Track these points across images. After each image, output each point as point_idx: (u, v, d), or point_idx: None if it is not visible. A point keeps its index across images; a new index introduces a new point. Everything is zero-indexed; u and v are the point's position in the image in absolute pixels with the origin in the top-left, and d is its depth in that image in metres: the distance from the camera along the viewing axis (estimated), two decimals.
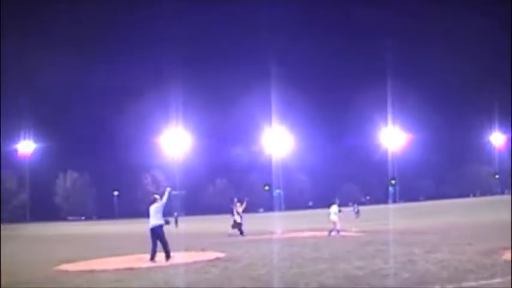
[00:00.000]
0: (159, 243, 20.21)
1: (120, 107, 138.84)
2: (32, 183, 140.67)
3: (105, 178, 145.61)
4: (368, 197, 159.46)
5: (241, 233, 35.51)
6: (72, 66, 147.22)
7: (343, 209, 36.81)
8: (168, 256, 19.98)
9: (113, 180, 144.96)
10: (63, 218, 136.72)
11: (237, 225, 36.74)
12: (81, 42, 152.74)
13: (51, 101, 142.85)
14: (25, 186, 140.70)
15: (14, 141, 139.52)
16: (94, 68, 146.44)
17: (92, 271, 17.85)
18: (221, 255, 21.61)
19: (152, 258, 19.77)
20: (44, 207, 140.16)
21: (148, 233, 20.39)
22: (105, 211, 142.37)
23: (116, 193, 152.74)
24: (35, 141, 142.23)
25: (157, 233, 20.29)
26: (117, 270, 17.79)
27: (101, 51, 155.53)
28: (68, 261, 21.53)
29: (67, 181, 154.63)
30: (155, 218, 20.50)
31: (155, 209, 20.60)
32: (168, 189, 21.46)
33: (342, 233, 31.44)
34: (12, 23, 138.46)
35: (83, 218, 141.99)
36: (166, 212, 21.32)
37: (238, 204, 38.07)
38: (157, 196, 21.32)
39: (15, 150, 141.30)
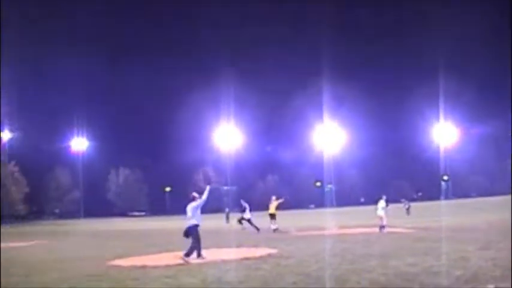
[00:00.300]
0: (201, 241, 20.01)
1: (172, 103, 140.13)
2: (85, 179, 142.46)
3: (157, 174, 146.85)
4: (420, 193, 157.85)
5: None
6: (125, 63, 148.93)
7: (395, 205, 36.66)
8: (188, 255, 19.35)
9: (165, 176, 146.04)
10: (123, 214, 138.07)
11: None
12: (132, 40, 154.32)
13: (104, 98, 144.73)
14: (78, 183, 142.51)
15: (67, 138, 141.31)
16: (147, 65, 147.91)
17: (144, 267, 18.01)
18: (273, 251, 21.61)
19: (198, 255, 19.56)
20: (96, 203, 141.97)
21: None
22: (157, 207, 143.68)
23: (167, 189, 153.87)
24: (88, 139, 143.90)
25: (191, 233, 19.92)
26: (169, 266, 17.91)
27: (153, 48, 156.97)
28: (120, 257, 21.78)
29: (119, 177, 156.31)
30: (191, 217, 20.15)
31: (192, 208, 20.22)
32: (208, 187, 21.07)
33: (391, 230, 31.28)
34: (67, 23, 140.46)
35: (143, 213, 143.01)
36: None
37: (274, 198, 38.49)
38: (196, 194, 20.74)
39: (69, 147, 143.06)
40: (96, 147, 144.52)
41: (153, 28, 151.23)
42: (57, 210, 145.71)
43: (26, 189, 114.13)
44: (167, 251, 23.75)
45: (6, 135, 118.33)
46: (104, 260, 20.73)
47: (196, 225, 20.03)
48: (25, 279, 16.55)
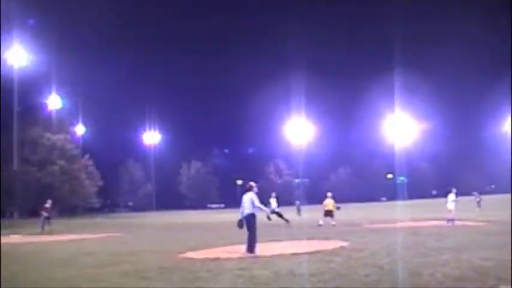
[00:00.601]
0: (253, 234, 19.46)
1: (244, 96, 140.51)
2: (157, 172, 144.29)
3: (228, 167, 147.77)
4: (493, 186, 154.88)
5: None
6: (197, 56, 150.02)
7: (466, 198, 36.14)
8: (249, 249, 19.12)
9: (237, 169, 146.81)
10: (203, 206, 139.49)
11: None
12: (205, 32, 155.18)
13: (176, 91, 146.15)
14: (151, 176, 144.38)
15: (140, 132, 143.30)
16: (218, 59, 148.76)
17: (216, 259, 18.13)
18: (344, 244, 21.55)
19: (254, 248, 19.19)
20: (168, 196, 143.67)
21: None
22: (229, 200, 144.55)
23: (239, 182, 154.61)
24: (161, 132, 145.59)
25: (247, 222, 19.48)
26: (242, 258, 17.99)
27: (226, 40, 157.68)
28: (193, 249, 21.98)
29: (191, 170, 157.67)
30: (247, 207, 19.55)
31: (249, 199, 19.66)
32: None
33: (462, 223, 30.88)
34: (137, 18, 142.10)
35: (222, 205, 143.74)
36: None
37: (330, 194, 38.55)
38: (253, 184, 20.35)
39: (142, 141, 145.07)
40: (168, 140, 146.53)
41: (226, 20, 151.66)
42: (130, 203, 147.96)
43: (100, 183, 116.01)
44: (240, 243, 23.87)
45: (80, 129, 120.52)
46: (177, 252, 20.95)
47: (252, 215, 19.50)
48: (98, 270, 16.83)
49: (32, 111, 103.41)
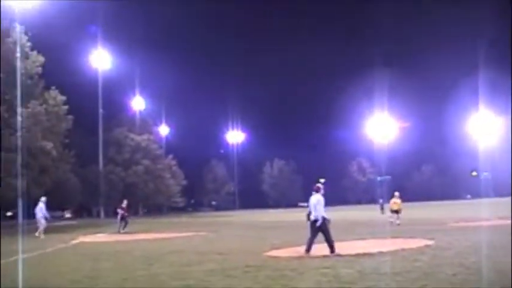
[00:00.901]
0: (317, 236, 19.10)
1: (326, 94, 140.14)
2: (240, 171, 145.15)
3: (311, 166, 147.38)
4: None
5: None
6: (278, 54, 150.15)
7: None
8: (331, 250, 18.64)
9: (319, 167, 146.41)
10: (294, 205, 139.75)
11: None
12: (289, 32, 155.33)
13: (259, 90, 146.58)
14: (234, 175, 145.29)
15: (223, 131, 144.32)
16: (300, 56, 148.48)
17: (300, 257, 18.18)
18: (430, 242, 21.33)
19: (308, 250, 18.93)
20: (251, 194, 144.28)
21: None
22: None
23: (322, 180, 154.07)
24: (243, 131, 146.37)
25: (314, 226, 18.95)
26: (327, 256, 17.98)
27: (308, 40, 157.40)
28: (277, 248, 22.08)
29: (274, 169, 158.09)
30: (318, 209, 18.91)
31: (317, 200, 19.07)
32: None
33: None
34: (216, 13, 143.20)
35: (305, 204, 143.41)
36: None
37: (397, 194, 38.39)
38: (320, 185, 19.85)
39: (225, 140, 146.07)
40: (251, 140, 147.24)
41: (310, 16, 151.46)
42: (214, 202, 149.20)
43: (184, 182, 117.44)
44: (323, 241, 23.86)
45: (164, 129, 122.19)
46: (261, 250, 21.07)
47: (321, 218, 18.84)
48: (185, 268, 17.08)
49: (116, 112, 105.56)
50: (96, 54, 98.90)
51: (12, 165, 49.15)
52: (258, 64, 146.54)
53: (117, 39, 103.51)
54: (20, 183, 47.89)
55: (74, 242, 32.03)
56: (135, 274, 16.23)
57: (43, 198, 37.91)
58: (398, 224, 35.26)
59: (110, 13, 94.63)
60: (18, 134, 49.28)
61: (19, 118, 48.96)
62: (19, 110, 49.05)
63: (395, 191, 41.53)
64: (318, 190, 19.49)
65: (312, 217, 19.09)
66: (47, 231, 39.56)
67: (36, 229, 36.75)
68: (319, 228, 18.89)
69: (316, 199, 19.11)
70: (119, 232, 39.40)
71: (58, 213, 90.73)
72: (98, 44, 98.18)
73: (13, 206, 57.45)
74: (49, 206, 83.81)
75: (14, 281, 15.27)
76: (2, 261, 19.43)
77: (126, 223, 40.92)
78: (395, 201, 38.24)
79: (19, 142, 48.34)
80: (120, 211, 41.81)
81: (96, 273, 16.56)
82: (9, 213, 60.52)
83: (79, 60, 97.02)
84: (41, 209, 36.90)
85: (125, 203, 43.15)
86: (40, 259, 22.06)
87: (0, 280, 15.24)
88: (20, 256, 19.53)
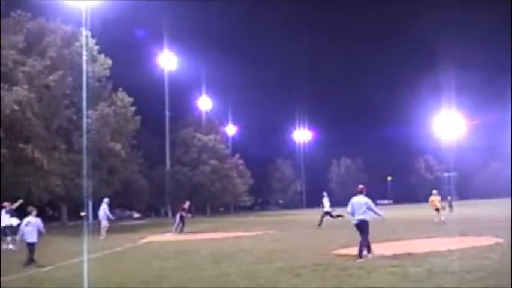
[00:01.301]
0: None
1: (392, 92, 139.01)
2: (307, 170, 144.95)
3: (378, 163, 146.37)
4: None
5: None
6: (347, 52, 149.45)
7: None
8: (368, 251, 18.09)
9: (386, 165, 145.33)
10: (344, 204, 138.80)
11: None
12: (356, 32, 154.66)
13: (325, 88, 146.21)
14: (300, 174, 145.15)
15: (289, 130, 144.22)
16: (368, 54, 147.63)
17: (368, 256, 18.13)
18: (500, 240, 20.99)
19: (368, 251, 18.26)
20: (318, 193, 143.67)
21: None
22: (379, 196, 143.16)
23: (389, 178, 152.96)
24: (310, 129, 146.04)
25: (359, 228, 18.30)
26: (395, 255, 17.86)
27: (374, 36, 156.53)
28: (345, 246, 22.00)
29: (341, 167, 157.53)
30: (362, 211, 18.23)
31: (364, 202, 18.39)
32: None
33: None
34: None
35: (386, 202, 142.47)
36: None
37: (435, 192, 38.27)
38: (361, 186, 19.17)
39: (291, 139, 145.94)
40: (318, 138, 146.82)
41: (377, 12, 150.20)
42: (281, 201, 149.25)
43: (251, 181, 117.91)
44: (392, 240, 23.72)
45: (230, 129, 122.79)
46: (329, 249, 21.04)
47: (364, 220, 18.21)
48: (254, 267, 17.18)
49: (183, 113, 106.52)
50: (162, 55, 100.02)
51: (82, 167, 50.09)
52: (325, 63, 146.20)
53: (183, 39, 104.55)
54: (85, 184, 48.88)
55: (142, 241, 32.45)
56: (204, 273, 16.39)
57: (106, 199, 38.35)
58: (444, 222, 34.80)
59: (176, 14, 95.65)
60: (84, 135, 50.25)
61: (85, 120, 49.84)
62: (85, 112, 49.92)
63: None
64: (361, 191, 18.83)
65: (355, 219, 18.40)
66: (116, 230, 40.22)
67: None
68: (363, 229, 18.27)
69: (364, 201, 18.42)
70: (175, 232, 39.42)
71: (127, 213, 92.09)
72: (164, 45, 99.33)
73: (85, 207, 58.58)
74: (118, 206, 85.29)
75: (88, 278, 15.60)
76: (75, 260, 19.86)
77: (183, 224, 40.88)
78: (435, 199, 37.60)
79: (84, 142, 49.30)
80: (180, 212, 42.06)
81: (164, 273, 16.78)
82: (82, 214, 61.64)
83: (146, 62, 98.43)
84: (103, 209, 37.30)
85: (187, 204, 43.44)
86: (110, 258, 22.46)
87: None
88: (85, 256, 19.87)
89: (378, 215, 18.83)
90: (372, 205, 18.53)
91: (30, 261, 20.85)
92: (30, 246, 21.03)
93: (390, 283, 13.14)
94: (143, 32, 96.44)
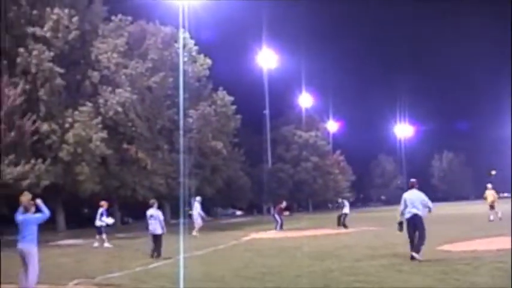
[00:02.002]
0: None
1: (492, 86, 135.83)
2: (408, 165, 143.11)
3: (481, 157, 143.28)
4: None
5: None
6: (452, 48, 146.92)
7: None
8: (416, 251, 17.05)
9: (489, 159, 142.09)
10: (465, 197, 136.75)
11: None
12: (457, 25, 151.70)
13: (425, 83, 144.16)
14: (402, 169, 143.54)
15: (391, 124, 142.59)
16: (471, 49, 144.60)
17: (473, 251, 17.81)
18: None
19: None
20: (420, 188, 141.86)
21: None
22: (482, 191, 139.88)
23: (493, 172, 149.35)
24: (411, 124, 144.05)
25: (417, 224, 17.39)
26: (500, 250, 17.52)
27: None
28: (449, 242, 21.70)
29: (443, 162, 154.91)
30: (416, 206, 17.54)
31: (419, 197, 17.83)
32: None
33: None
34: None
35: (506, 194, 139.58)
36: None
37: (490, 186, 38.23)
38: (413, 180, 18.70)
39: (393, 134, 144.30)
40: (419, 132, 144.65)
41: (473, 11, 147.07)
42: (383, 197, 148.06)
43: (352, 177, 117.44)
44: (497, 235, 23.21)
45: (331, 125, 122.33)
46: (433, 244, 20.72)
47: (416, 215, 17.45)
48: (356, 264, 17.16)
49: (283, 110, 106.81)
50: (261, 53, 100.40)
51: (184, 166, 50.88)
52: (426, 56, 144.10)
53: (282, 37, 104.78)
54: (182, 181, 49.66)
55: (245, 238, 32.72)
56: (307, 270, 16.43)
57: (198, 198, 38.80)
58: (500, 218, 33.76)
59: (274, 11, 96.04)
60: (180, 134, 51.02)
61: (181, 121, 50.49)
62: (181, 112, 50.57)
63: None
64: (413, 186, 18.28)
65: (407, 214, 17.60)
66: (219, 228, 40.75)
67: (209, 226, 37.75)
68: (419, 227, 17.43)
69: (418, 196, 17.86)
70: (278, 230, 39.54)
71: (229, 211, 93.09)
72: (262, 43, 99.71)
73: (189, 205, 59.61)
74: (220, 204, 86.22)
75: (194, 275, 15.87)
76: (179, 257, 20.22)
77: (281, 222, 40.89)
78: (491, 194, 36.51)
79: (181, 142, 50.13)
80: (277, 210, 42.35)
81: (268, 270, 16.90)
82: (191, 212, 62.55)
83: (245, 60, 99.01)
84: (196, 208, 37.66)
85: (283, 204, 43.68)
86: (214, 256, 22.77)
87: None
88: (182, 254, 20.12)
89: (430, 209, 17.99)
90: (428, 200, 17.84)
91: (157, 253, 22.09)
92: (156, 238, 22.29)
93: (495, 279, 12.87)
94: (242, 30, 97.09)
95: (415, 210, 17.41)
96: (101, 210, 30.34)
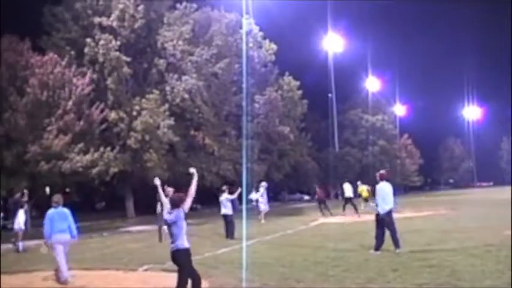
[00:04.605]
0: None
1: None
2: (477, 148, 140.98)
3: None
4: None
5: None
6: None
7: None
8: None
9: None
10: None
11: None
12: None
13: (492, 64, 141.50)
14: (471, 152, 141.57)
15: (459, 107, 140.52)
16: None
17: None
18: None
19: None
20: (489, 171, 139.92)
21: None
22: None
23: None
24: (479, 106, 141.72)
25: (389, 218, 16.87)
26: None
27: None
28: None
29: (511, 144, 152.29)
30: (389, 200, 16.93)
31: (391, 190, 17.10)
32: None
33: None
34: None
35: None
36: None
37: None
38: (382, 172, 17.65)
39: (461, 117, 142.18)
40: (487, 114, 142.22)
41: None
42: (451, 180, 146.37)
43: (420, 161, 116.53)
44: None
45: (399, 109, 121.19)
46: (502, 229, 20.42)
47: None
48: (426, 248, 16.99)
49: (350, 94, 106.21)
50: (327, 37, 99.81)
51: (253, 151, 51.08)
52: (494, 35, 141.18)
53: (347, 20, 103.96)
54: (245, 167, 49.79)
55: (313, 223, 32.64)
56: (376, 254, 16.28)
57: (263, 183, 38.78)
58: None
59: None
60: (244, 120, 51.20)
61: (245, 107, 50.61)
62: (244, 98, 50.70)
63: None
64: (383, 177, 17.27)
65: (381, 209, 16.97)
66: (287, 213, 40.76)
67: (277, 211, 37.72)
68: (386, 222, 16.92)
69: (391, 188, 17.13)
70: (323, 215, 39.08)
71: (297, 196, 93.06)
72: (328, 27, 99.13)
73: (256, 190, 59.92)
74: (288, 189, 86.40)
75: (264, 260, 15.93)
76: (248, 242, 20.30)
77: (325, 207, 40.53)
78: None
79: (244, 127, 50.34)
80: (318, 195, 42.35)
81: (337, 254, 16.87)
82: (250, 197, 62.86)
83: (310, 45, 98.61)
84: (262, 194, 37.57)
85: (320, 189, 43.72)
86: (283, 240, 22.81)
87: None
88: (244, 240, 20.34)
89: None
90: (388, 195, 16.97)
91: (231, 235, 23.46)
92: (228, 220, 23.98)
93: None
94: (307, 15, 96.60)
95: (388, 206, 16.91)
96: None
